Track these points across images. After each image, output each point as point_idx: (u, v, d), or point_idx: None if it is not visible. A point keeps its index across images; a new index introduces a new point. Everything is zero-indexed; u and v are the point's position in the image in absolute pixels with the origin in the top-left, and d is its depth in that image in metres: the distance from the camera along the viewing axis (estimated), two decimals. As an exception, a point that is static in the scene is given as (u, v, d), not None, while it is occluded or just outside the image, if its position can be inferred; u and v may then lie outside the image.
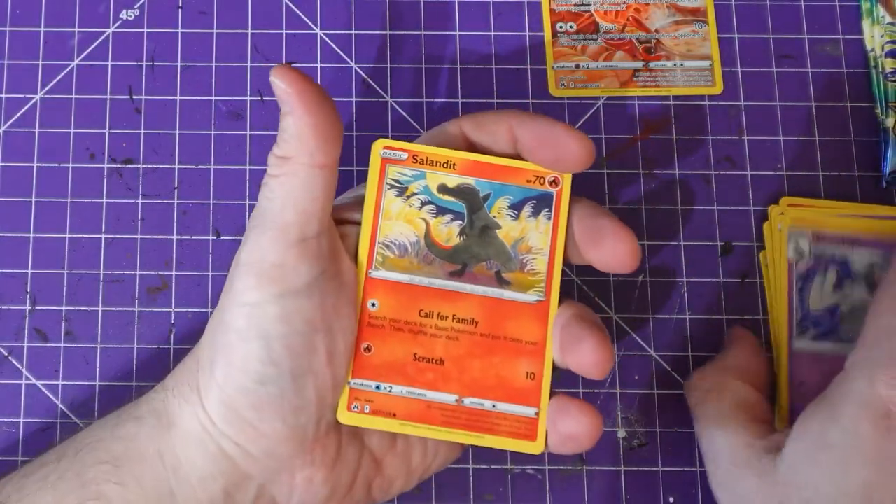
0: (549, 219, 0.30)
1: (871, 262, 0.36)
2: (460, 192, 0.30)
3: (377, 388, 0.29)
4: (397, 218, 0.30)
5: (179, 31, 0.40)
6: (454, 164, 0.30)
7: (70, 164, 0.38)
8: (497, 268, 0.30)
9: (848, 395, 0.26)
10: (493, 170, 0.30)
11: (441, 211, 0.30)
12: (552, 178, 0.30)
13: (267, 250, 0.27)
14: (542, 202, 0.30)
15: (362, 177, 0.38)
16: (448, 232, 0.30)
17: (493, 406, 0.29)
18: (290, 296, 0.27)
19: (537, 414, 0.29)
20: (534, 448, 0.29)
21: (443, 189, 0.30)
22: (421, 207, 0.30)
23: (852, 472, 0.26)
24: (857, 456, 0.26)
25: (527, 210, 0.30)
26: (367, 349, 0.29)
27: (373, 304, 0.30)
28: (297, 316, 0.27)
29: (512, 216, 0.30)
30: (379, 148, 0.30)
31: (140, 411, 0.30)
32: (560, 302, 0.30)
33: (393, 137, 0.39)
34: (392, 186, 0.30)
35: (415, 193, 0.30)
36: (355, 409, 0.29)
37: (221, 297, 0.29)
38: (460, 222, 0.30)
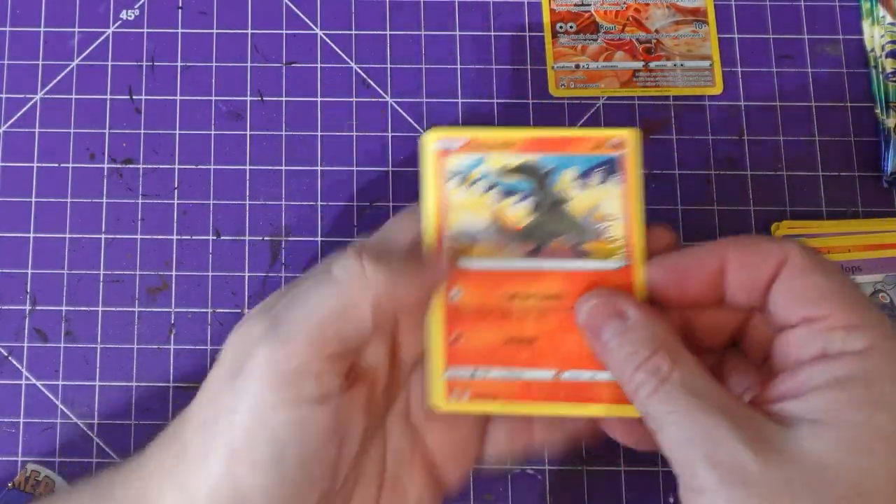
0: (620, 182, 0.29)
1: (874, 287, 0.36)
2: (524, 170, 0.29)
3: (473, 374, 0.29)
4: (463, 208, 0.29)
5: (179, 31, 0.40)
6: (513, 144, 0.29)
7: (70, 164, 0.38)
8: (574, 241, 0.29)
9: (886, 380, 0.24)
10: (553, 143, 0.29)
11: (508, 192, 0.29)
12: (616, 141, 0.29)
13: (293, 358, 0.25)
14: (610, 167, 0.29)
15: (361, 177, 0.38)
16: (518, 213, 0.29)
17: (592, 376, 0.29)
18: (309, 404, 0.26)
19: None
20: (635, 411, 0.28)
21: (506, 170, 0.29)
22: (486, 192, 0.29)
23: None
24: None
25: (595, 178, 0.29)
26: (457, 339, 0.29)
27: (455, 294, 0.29)
28: (314, 425, 0.26)
29: (581, 187, 0.29)
30: (432, 140, 0.29)
31: (116, 496, 0.28)
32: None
33: (393, 137, 0.39)
34: (452, 176, 0.29)
35: (477, 179, 0.29)
36: (454, 398, 0.29)
37: (215, 383, 0.27)
38: (529, 201, 0.29)
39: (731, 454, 0.23)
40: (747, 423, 0.24)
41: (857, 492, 0.23)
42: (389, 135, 0.39)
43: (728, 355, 0.29)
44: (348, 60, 0.40)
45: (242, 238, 0.38)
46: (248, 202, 0.38)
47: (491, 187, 0.29)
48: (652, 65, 0.39)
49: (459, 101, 0.39)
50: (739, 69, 0.40)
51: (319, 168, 0.38)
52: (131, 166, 0.39)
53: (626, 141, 0.29)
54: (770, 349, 0.27)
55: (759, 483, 0.23)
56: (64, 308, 0.37)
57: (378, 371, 0.29)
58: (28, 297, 0.37)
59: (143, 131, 0.39)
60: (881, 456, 0.23)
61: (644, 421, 0.26)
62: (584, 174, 0.29)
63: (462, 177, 0.29)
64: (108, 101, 0.39)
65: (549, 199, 0.29)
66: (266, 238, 0.38)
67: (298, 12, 0.40)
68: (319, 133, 0.39)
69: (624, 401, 0.28)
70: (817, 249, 0.27)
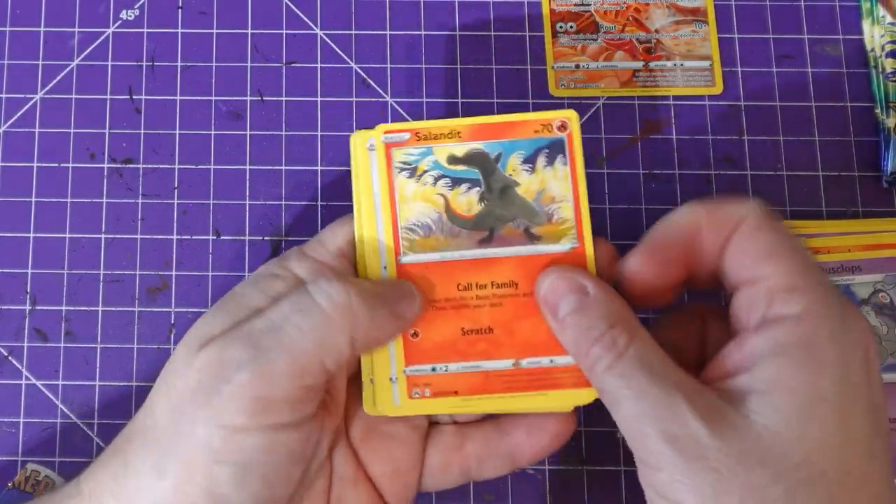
0: (566, 164, 0.29)
1: (874, 287, 0.36)
2: (471, 158, 0.30)
3: (433, 370, 0.29)
4: (414, 199, 0.29)
5: (179, 31, 0.40)
6: (458, 133, 0.30)
7: (70, 164, 0.38)
8: (524, 225, 0.29)
9: (825, 343, 0.24)
10: (498, 129, 0.30)
11: (456, 182, 0.29)
12: (559, 123, 0.30)
13: (274, 388, 0.25)
14: (555, 149, 0.29)
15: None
16: (468, 201, 0.29)
17: (551, 361, 0.29)
18: (281, 429, 0.25)
19: None
20: (593, 395, 0.29)
21: (453, 160, 0.29)
22: (435, 183, 0.29)
23: (853, 424, 0.24)
24: (855, 406, 0.24)
25: (541, 161, 0.29)
26: (415, 335, 0.29)
27: None
28: (283, 448, 0.26)
29: (528, 170, 0.29)
30: (380, 134, 0.30)
31: None
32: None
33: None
34: (401, 169, 0.30)
35: (426, 171, 0.30)
36: (416, 396, 0.29)
37: (175, 396, 0.26)
38: (478, 189, 0.29)
39: (685, 429, 0.23)
40: (701, 399, 0.24)
41: (809, 459, 0.23)
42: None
43: (709, 320, 0.29)
44: (348, 60, 0.40)
45: (242, 238, 0.38)
46: (248, 202, 0.38)
47: (440, 178, 0.30)
48: (652, 65, 0.39)
49: (459, 101, 0.39)
50: (739, 69, 0.40)
51: (319, 168, 0.38)
52: (131, 166, 0.39)
53: (569, 122, 0.29)
54: (729, 311, 0.27)
55: (715, 456, 0.23)
56: (64, 308, 0.37)
57: (340, 394, 0.29)
58: (28, 297, 0.37)
59: (143, 131, 0.39)
60: (829, 421, 0.24)
61: (601, 397, 0.26)
62: (530, 157, 0.29)
63: (411, 169, 0.29)
64: (108, 101, 0.39)
65: (498, 185, 0.29)
66: (266, 238, 0.38)
67: (298, 12, 0.40)
68: (319, 133, 0.39)
69: (585, 383, 0.28)
70: (770, 209, 0.26)
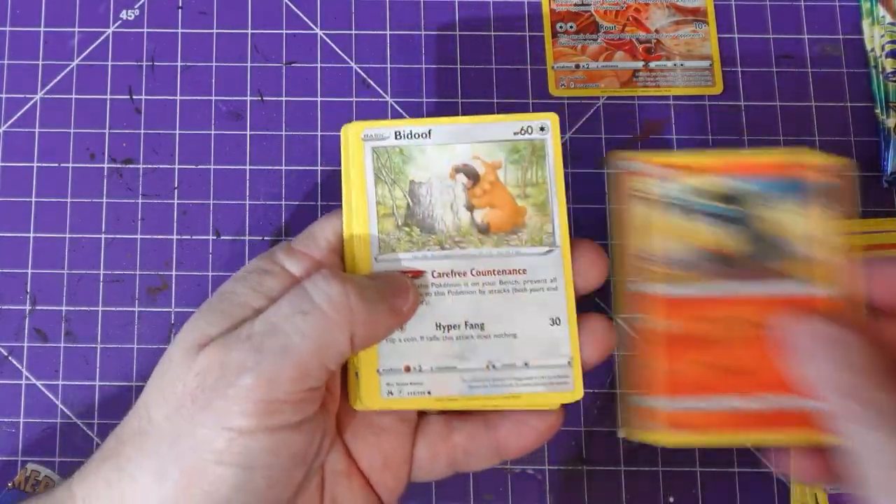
0: (820, 206, 0.28)
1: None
2: (729, 195, 0.28)
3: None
4: (667, 231, 0.28)
5: (179, 31, 0.40)
6: (712, 167, 0.28)
7: (70, 164, 0.38)
8: (774, 263, 0.28)
9: None
10: (746, 166, 0.28)
11: (712, 216, 0.28)
12: (822, 166, 0.28)
13: (278, 391, 0.25)
14: (814, 192, 0.28)
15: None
16: (724, 238, 0.28)
17: (799, 403, 0.27)
18: (285, 430, 0.25)
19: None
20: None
21: (707, 194, 0.28)
22: (689, 216, 0.28)
23: None
24: None
25: (791, 200, 0.28)
26: (672, 368, 0.28)
27: (668, 324, 0.28)
28: (286, 449, 0.26)
29: (781, 210, 0.28)
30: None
31: None
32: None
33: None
34: (641, 198, 0.28)
35: (674, 202, 0.28)
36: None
37: (174, 400, 0.26)
38: (736, 226, 0.28)
39: None
40: None
41: None
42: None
43: None
44: (348, 60, 0.40)
45: (242, 238, 0.38)
46: (248, 202, 0.38)
47: (695, 211, 0.28)
48: (652, 65, 0.39)
49: (459, 101, 0.39)
50: (739, 69, 0.40)
51: (319, 168, 0.38)
52: (131, 166, 0.39)
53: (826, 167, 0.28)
54: None
55: None
56: (64, 308, 0.37)
57: (336, 389, 0.29)
58: (28, 297, 0.37)
59: (143, 131, 0.39)
60: None
61: (838, 450, 0.25)
62: (797, 199, 0.28)
63: (651, 199, 0.28)
64: (108, 101, 0.39)
65: (755, 224, 0.28)
66: (266, 238, 0.38)
67: (298, 12, 0.40)
68: (319, 133, 0.39)
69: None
70: None
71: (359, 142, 0.30)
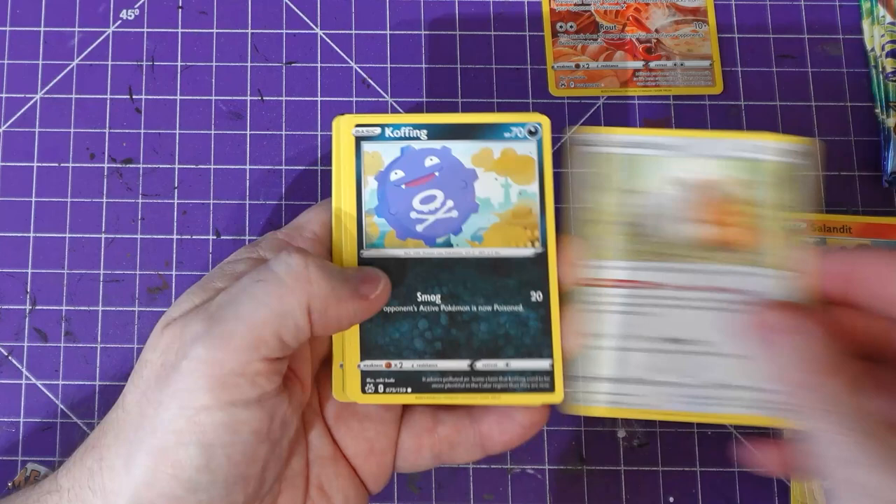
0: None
1: None
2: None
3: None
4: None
5: (179, 31, 0.40)
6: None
7: (70, 164, 0.38)
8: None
9: None
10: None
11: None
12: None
13: (231, 359, 0.25)
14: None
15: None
16: None
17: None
18: (242, 406, 0.25)
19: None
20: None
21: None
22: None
23: None
24: None
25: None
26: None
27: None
28: (246, 426, 0.25)
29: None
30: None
31: None
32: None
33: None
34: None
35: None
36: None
37: (142, 383, 0.26)
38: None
39: (874, 480, 0.23)
40: None
41: None
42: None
43: None
44: (348, 60, 0.40)
45: (242, 238, 0.38)
46: (248, 202, 0.38)
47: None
48: (652, 64, 0.39)
49: (459, 101, 0.39)
50: (739, 69, 0.40)
51: (319, 168, 0.38)
52: (131, 166, 0.39)
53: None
54: None
55: None
56: (64, 308, 0.37)
57: (304, 373, 0.29)
58: (28, 297, 0.37)
59: (143, 131, 0.39)
60: None
61: (795, 437, 0.25)
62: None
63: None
64: (108, 101, 0.39)
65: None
66: (266, 238, 0.38)
67: (298, 12, 0.40)
68: (319, 133, 0.39)
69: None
70: None
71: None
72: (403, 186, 0.29)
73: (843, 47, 0.40)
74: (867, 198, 0.38)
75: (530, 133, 0.30)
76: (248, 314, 0.25)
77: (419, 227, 0.29)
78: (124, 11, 0.40)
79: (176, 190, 0.38)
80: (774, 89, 0.39)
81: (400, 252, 0.29)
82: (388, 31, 0.40)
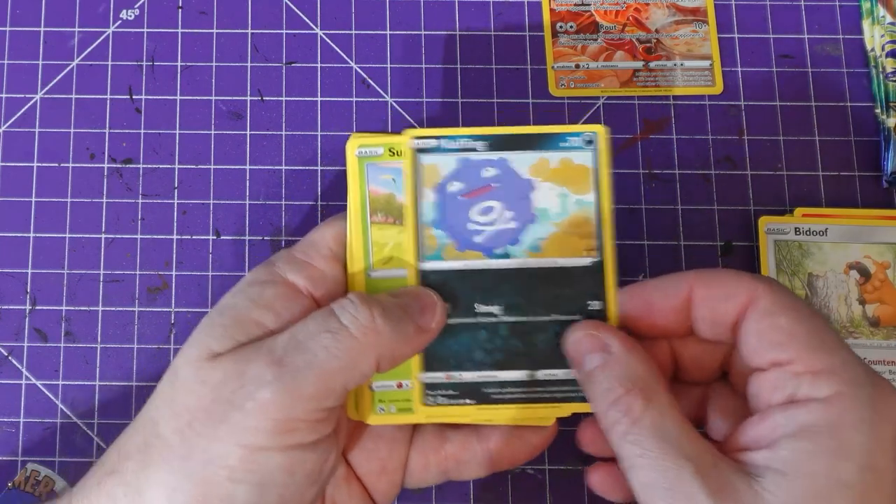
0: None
1: None
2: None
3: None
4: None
5: (179, 31, 0.40)
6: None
7: (70, 164, 0.38)
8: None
9: (852, 428, 0.24)
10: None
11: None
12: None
13: (299, 407, 0.25)
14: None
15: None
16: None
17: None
18: (301, 449, 0.25)
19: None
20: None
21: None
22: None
23: None
24: (877, 493, 0.23)
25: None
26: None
27: None
28: (301, 469, 0.25)
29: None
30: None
31: None
32: None
33: (393, 137, 0.39)
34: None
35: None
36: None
37: (187, 414, 0.25)
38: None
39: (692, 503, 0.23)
40: (714, 473, 0.24)
41: None
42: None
43: (715, 387, 0.29)
44: (348, 60, 0.40)
45: (242, 238, 0.38)
46: (248, 202, 0.38)
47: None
48: (652, 64, 0.39)
49: (459, 100, 0.39)
50: (739, 69, 0.40)
51: (319, 168, 0.38)
52: (131, 166, 0.39)
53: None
54: (746, 387, 0.27)
55: None
56: (64, 308, 0.37)
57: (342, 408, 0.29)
58: (28, 297, 0.37)
59: (143, 131, 0.39)
60: None
61: (618, 459, 0.26)
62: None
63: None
64: (108, 101, 0.39)
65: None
66: (266, 238, 0.38)
67: (298, 12, 0.40)
68: (319, 133, 0.39)
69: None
70: (786, 288, 0.27)
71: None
72: (461, 198, 0.29)
73: (843, 47, 0.40)
74: (867, 198, 0.38)
75: (587, 143, 0.29)
76: (318, 365, 0.25)
77: (477, 239, 0.29)
78: (124, 11, 0.40)
79: (176, 190, 0.38)
80: (774, 89, 0.39)
81: (459, 264, 0.29)
82: (388, 31, 0.40)
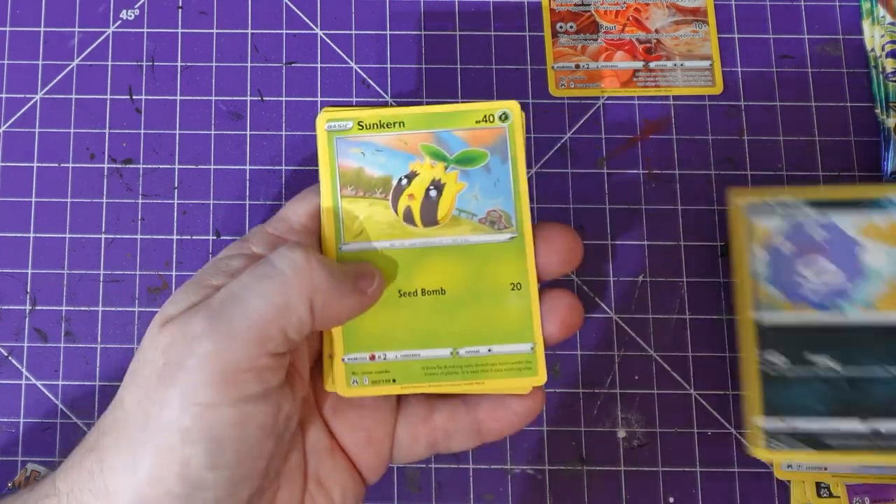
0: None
1: None
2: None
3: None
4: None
5: (179, 31, 0.40)
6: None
7: (70, 164, 0.38)
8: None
9: None
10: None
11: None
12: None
13: (237, 355, 0.25)
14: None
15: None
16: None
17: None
18: (249, 401, 0.25)
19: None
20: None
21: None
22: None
23: None
24: None
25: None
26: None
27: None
28: (253, 421, 0.25)
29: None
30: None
31: None
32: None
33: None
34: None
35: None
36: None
37: (143, 383, 0.25)
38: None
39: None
40: None
41: None
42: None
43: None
44: (348, 60, 0.40)
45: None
46: (248, 202, 0.38)
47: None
48: (652, 65, 0.39)
49: (459, 101, 0.39)
50: (739, 69, 0.40)
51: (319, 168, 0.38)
52: (131, 166, 0.39)
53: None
54: None
55: None
56: (64, 308, 0.37)
57: (303, 366, 0.29)
58: (28, 297, 0.37)
59: (143, 131, 0.39)
60: None
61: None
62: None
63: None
64: (108, 101, 0.39)
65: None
66: (266, 238, 0.38)
67: (298, 12, 0.40)
68: (319, 133, 0.39)
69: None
70: None
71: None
72: (791, 255, 0.33)
73: (843, 47, 0.40)
74: (867, 198, 0.38)
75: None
76: (252, 310, 0.25)
77: (810, 294, 0.32)
78: (124, 11, 0.40)
79: (176, 190, 0.38)
80: (774, 89, 0.39)
81: (792, 316, 0.32)
82: (388, 31, 0.40)
